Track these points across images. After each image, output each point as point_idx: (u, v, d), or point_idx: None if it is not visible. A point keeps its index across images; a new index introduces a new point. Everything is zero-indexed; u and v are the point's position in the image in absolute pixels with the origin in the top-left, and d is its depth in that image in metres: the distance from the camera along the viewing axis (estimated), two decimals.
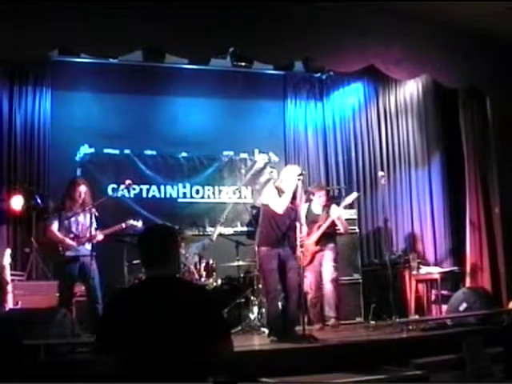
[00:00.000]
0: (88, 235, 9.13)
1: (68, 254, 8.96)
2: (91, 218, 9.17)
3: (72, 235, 9.06)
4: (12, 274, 8.93)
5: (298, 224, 8.71)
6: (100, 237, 9.16)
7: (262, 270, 8.68)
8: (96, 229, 9.17)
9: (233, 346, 4.14)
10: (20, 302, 8.63)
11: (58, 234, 9.04)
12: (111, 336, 3.90)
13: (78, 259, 9.01)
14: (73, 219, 9.13)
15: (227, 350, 4.11)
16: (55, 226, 9.09)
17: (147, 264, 4.13)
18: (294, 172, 8.70)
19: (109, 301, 4.28)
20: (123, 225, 9.51)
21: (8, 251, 8.98)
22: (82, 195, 9.24)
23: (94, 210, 9.14)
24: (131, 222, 9.68)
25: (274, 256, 8.42)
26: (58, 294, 8.88)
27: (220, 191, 12.17)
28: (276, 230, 8.58)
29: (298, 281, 8.56)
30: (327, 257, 9.76)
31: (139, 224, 9.79)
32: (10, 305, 8.38)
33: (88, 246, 9.14)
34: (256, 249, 8.68)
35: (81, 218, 9.21)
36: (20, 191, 10.26)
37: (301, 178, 8.60)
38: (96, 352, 4.01)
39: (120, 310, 3.94)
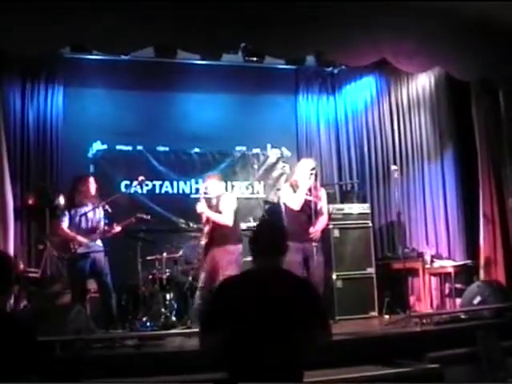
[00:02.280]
0: (98, 231, 9.18)
1: (79, 250, 8.99)
2: (103, 214, 9.24)
3: (82, 231, 9.10)
4: (26, 271, 8.96)
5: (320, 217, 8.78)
6: (118, 228, 9.23)
7: (287, 263, 8.76)
8: (107, 224, 9.23)
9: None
10: (35, 298, 8.69)
11: (69, 232, 9.08)
12: (217, 319, 4.14)
13: (89, 256, 9.04)
14: (84, 215, 9.17)
15: (328, 338, 4.37)
16: (65, 224, 9.14)
17: (259, 254, 4.35)
18: (307, 166, 8.75)
19: (220, 284, 4.46)
20: (133, 219, 9.54)
21: (22, 248, 9.03)
22: (91, 191, 9.29)
23: (106, 206, 9.20)
24: (140, 215, 9.71)
25: (298, 250, 8.55)
26: (70, 291, 8.94)
27: (233, 186, 12.17)
28: (297, 226, 8.66)
29: (321, 276, 8.64)
30: None
31: (148, 218, 9.84)
32: (24, 301, 8.42)
33: (99, 243, 9.20)
34: None
35: (90, 214, 9.25)
36: (33, 188, 10.33)
37: (313, 172, 8.64)
38: (201, 333, 4.26)
39: (230, 295, 4.19)
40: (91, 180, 9.41)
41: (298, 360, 4.15)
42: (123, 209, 10.05)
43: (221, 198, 9.48)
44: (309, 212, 8.76)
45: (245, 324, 4.05)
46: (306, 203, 8.73)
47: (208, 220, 9.38)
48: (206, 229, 9.41)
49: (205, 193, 9.63)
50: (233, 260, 8.89)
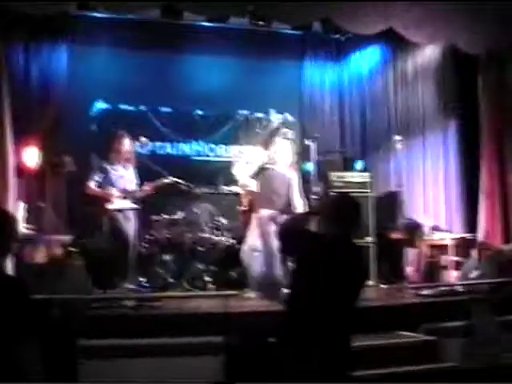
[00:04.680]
0: (132, 189, 9.18)
1: (112, 207, 8.98)
2: (134, 174, 9.29)
3: (118, 190, 9.05)
4: (26, 228, 8.95)
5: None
6: (147, 188, 9.20)
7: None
8: (139, 184, 9.26)
9: None
10: (34, 257, 8.69)
11: (96, 189, 9.04)
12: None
13: (123, 212, 8.99)
14: (118, 174, 9.15)
15: None
16: (93, 183, 9.07)
17: (333, 224, 4.58)
18: None
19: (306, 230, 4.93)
20: (164, 180, 9.49)
21: (22, 205, 8.99)
22: (127, 148, 9.24)
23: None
24: (173, 178, 9.67)
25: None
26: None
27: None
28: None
29: None
30: None
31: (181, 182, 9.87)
32: (24, 259, 8.41)
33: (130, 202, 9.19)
34: None
35: (124, 172, 9.25)
36: (35, 145, 10.29)
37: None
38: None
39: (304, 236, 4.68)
40: (126, 138, 9.35)
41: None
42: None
43: None
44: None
45: (311, 276, 4.41)
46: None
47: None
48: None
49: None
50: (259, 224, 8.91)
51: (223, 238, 10.23)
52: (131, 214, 9.18)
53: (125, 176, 9.25)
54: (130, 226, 9.11)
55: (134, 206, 9.21)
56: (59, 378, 5.57)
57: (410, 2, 9.50)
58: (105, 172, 9.12)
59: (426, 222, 11.01)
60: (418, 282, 9.84)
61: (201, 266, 9.83)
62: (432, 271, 10.30)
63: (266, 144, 9.44)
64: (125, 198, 9.10)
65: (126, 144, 9.28)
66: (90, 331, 6.52)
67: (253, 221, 9.03)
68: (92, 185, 9.09)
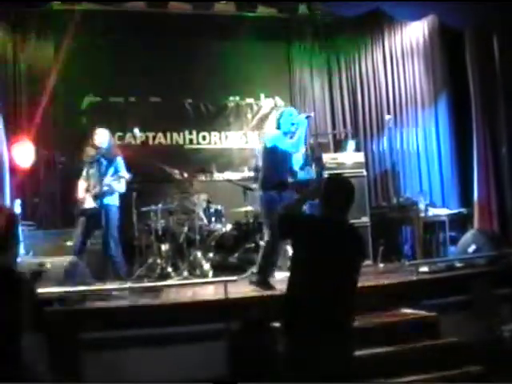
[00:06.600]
0: (100, 187, 9.01)
1: (83, 206, 8.91)
2: (114, 168, 9.00)
3: (91, 185, 8.97)
4: (22, 224, 8.96)
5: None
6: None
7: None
8: (119, 177, 8.96)
9: None
10: (31, 252, 8.69)
11: (78, 188, 9.03)
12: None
13: (92, 211, 8.93)
14: (87, 171, 9.07)
15: None
16: (81, 179, 9.05)
17: (330, 207, 4.69)
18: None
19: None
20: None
21: (17, 201, 8.98)
22: (96, 145, 9.11)
23: (119, 158, 9.03)
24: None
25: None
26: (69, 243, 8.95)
27: (226, 137, 12.19)
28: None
29: None
30: None
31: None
32: (21, 255, 8.40)
33: (110, 199, 9.05)
34: None
35: (92, 170, 9.06)
36: (27, 142, 10.26)
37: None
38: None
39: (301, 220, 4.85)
40: (97, 131, 9.15)
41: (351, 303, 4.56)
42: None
43: None
44: None
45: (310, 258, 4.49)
46: None
47: None
48: None
49: None
50: None
51: (220, 225, 10.24)
52: (107, 211, 8.96)
53: (92, 173, 9.05)
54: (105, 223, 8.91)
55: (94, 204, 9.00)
56: (61, 372, 5.59)
57: None
58: (85, 167, 9.10)
59: (421, 199, 11.01)
60: (416, 260, 9.88)
61: (199, 254, 9.82)
62: (429, 248, 10.36)
63: None
64: (92, 196, 8.94)
65: (97, 137, 9.06)
66: (90, 324, 6.55)
67: None
68: (80, 181, 9.06)
